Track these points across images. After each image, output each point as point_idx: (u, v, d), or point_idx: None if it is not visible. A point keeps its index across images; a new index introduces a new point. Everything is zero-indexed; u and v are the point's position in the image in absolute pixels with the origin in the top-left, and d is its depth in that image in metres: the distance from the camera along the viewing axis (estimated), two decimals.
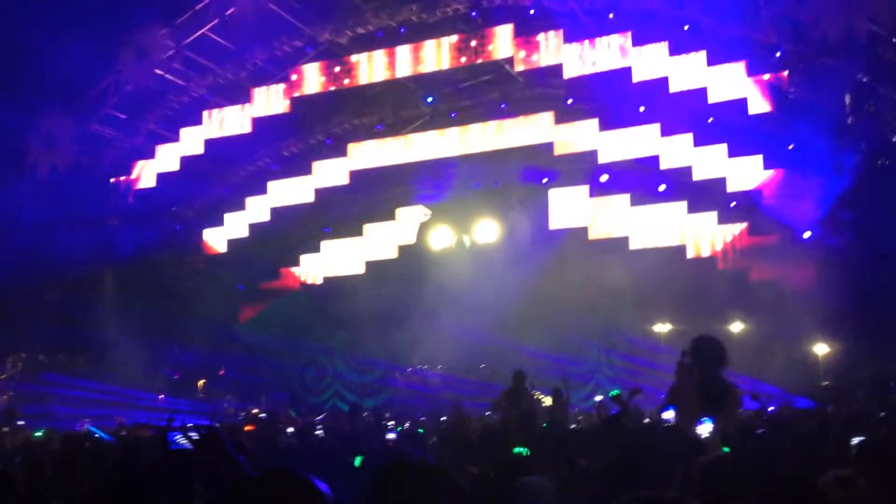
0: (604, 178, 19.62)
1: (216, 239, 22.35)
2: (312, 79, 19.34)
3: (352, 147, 21.07)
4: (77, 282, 18.75)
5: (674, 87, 17.08)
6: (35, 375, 19.58)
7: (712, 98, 16.90)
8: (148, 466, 3.28)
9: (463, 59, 18.13)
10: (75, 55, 15.53)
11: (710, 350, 5.50)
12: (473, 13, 17.53)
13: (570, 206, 19.90)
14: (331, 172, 21.18)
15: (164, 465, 3.15)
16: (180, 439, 2.65)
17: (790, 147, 16.95)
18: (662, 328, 21.49)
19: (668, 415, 5.80)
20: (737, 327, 20.59)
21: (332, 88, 19.33)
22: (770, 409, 10.71)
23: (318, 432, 12.03)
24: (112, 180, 20.99)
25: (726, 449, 4.38)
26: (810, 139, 15.99)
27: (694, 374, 5.45)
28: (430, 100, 20.23)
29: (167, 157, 20.82)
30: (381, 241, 22.11)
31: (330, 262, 22.78)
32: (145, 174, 20.99)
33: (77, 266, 18.10)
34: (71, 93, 18.18)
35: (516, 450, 5.20)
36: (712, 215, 18.80)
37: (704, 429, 4.79)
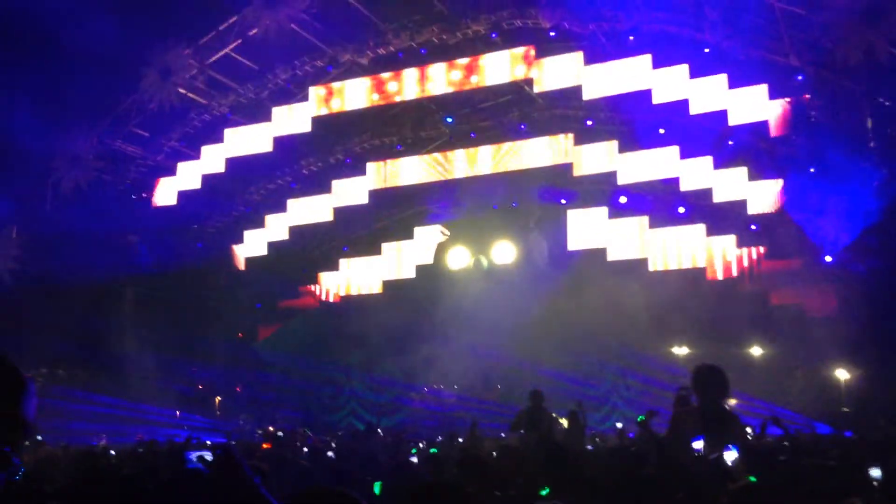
0: (622, 199, 19.59)
1: (236, 256, 22.50)
2: (334, 99, 19.47)
3: (371, 166, 21.16)
4: (97, 297, 18.87)
5: (694, 110, 17.04)
6: (54, 390, 19.69)
7: (733, 120, 16.84)
8: (162, 484, 3.27)
9: (474, 80, 18.21)
10: (99, 73, 15.74)
11: (711, 378, 5.45)
12: (493, 34, 17.59)
13: (588, 227, 19.89)
14: (350, 191, 21.26)
15: (178, 484, 3.14)
16: (196, 459, 2.64)
17: (811, 170, 16.85)
18: (680, 351, 21.32)
19: (698, 444, 5.75)
20: (756, 351, 20.40)
21: (353, 108, 19.44)
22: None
23: (329, 454, 11.98)
24: (134, 197, 21.19)
25: (752, 478, 4.33)
26: (832, 162, 15.88)
27: (696, 403, 5.43)
28: (449, 120, 20.30)
29: (188, 175, 20.98)
30: (398, 260, 22.16)
31: (348, 280, 22.84)
32: (167, 191, 21.17)
33: (97, 282, 18.23)
34: (95, 110, 18.41)
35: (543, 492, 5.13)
36: (731, 238, 18.72)
37: (729, 456, 4.72)
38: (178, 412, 21.60)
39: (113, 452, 11.92)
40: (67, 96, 15.47)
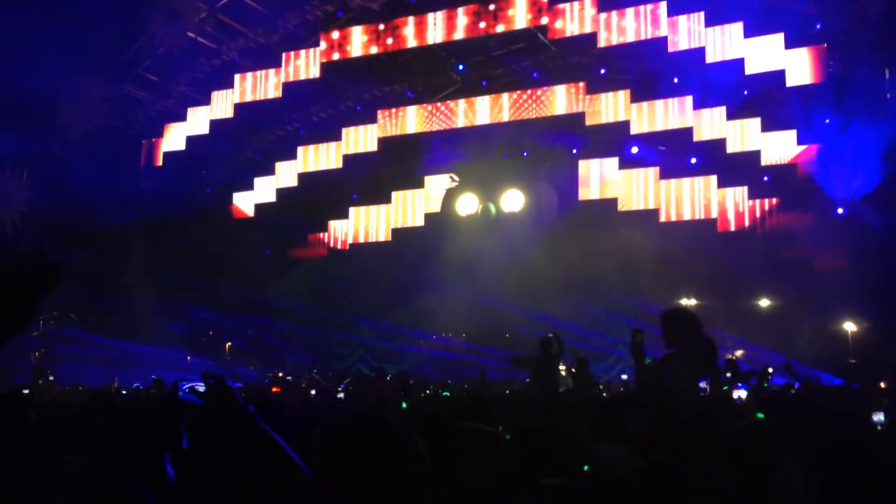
0: (634, 149, 19.43)
1: (244, 203, 22.53)
2: (344, 45, 19.28)
3: (381, 114, 21.03)
4: (107, 242, 18.97)
5: (710, 58, 16.83)
6: (66, 333, 19.94)
7: (749, 70, 16.62)
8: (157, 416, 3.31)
9: (482, 25, 17.97)
10: (108, 17, 15.57)
11: (680, 319, 5.50)
12: None
13: (599, 178, 19.77)
14: (359, 139, 21.19)
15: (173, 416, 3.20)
16: (188, 389, 2.68)
17: (827, 121, 16.65)
18: (688, 302, 21.33)
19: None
20: (765, 303, 20.41)
21: (363, 55, 19.26)
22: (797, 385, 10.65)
23: (339, 395, 12.13)
24: (143, 142, 21.19)
25: (760, 415, 4.36)
26: (848, 114, 15.69)
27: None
28: (461, 68, 20.08)
29: (197, 120, 20.95)
30: (407, 208, 22.14)
31: (357, 228, 22.86)
32: (175, 137, 21.15)
33: (108, 227, 18.31)
34: (103, 54, 18.25)
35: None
36: (744, 189, 18.58)
37: (738, 394, 4.77)
38: (188, 357, 21.84)
39: (124, 392, 12.10)
40: (75, 39, 15.29)
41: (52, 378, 15.85)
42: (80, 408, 6.94)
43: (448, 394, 11.04)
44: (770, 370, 12.29)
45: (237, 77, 20.36)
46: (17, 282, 1.71)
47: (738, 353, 18.32)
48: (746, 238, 18.47)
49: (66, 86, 17.74)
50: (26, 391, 9.67)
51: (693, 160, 19.12)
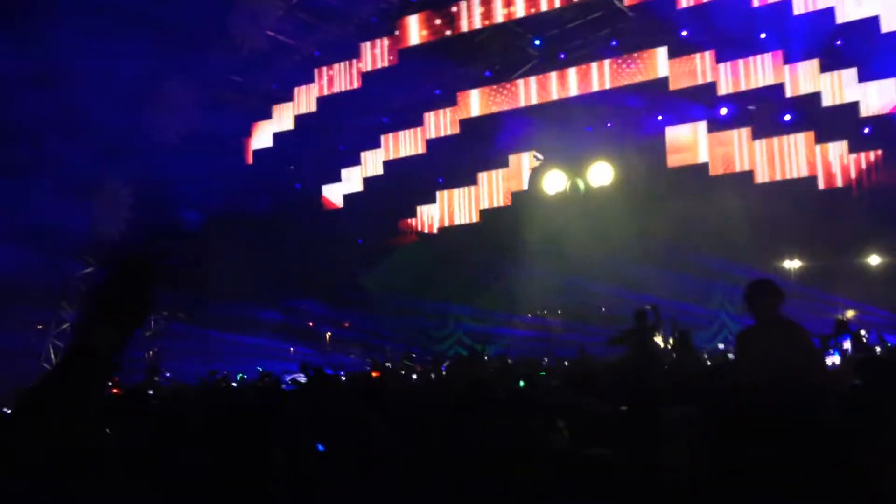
0: (723, 111, 18.82)
1: (334, 195, 22.91)
2: (417, 30, 19.31)
3: (461, 96, 21.00)
4: (206, 242, 19.60)
5: (797, 9, 16.12)
6: (176, 329, 20.79)
7: (840, 18, 15.84)
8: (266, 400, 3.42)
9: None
10: (190, 21, 16.01)
11: (759, 291, 5.38)
12: None
13: (688, 143, 19.23)
14: (440, 123, 21.23)
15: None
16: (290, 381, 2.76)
17: None
18: (792, 264, 20.60)
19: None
20: (875, 260, 19.52)
21: (438, 38, 19.25)
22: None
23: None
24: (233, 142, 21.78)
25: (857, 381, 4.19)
26: None
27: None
28: (537, 43, 19.84)
29: (282, 117, 21.41)
30: (494, 188, 22.06)
31: (445, 212, 22.94)
32: (263, 135, 21.67)
33: (204, 226, 18.93)
34: (189, 60, 18.77)
35: None
36: (843, 144, 17.74)
37: (832, 359, 4.60)
38: (291, 348, 22.45)
39: (234, 384, 12.50)
40: (159, 45, 15.79)
41: (168, 374, 16.56)
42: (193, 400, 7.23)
43: (543, 374, 10.98)
44: (863, 332, 11.76)
45: (317, 71, 20.69)
46: (138, 269, 1.72)
47: (850, 313, 17.62)
48: (849, 194, 17.66)
49: (156, 92, 18.33)
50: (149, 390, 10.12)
51: (787, 117, 18.39)
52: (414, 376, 12.94)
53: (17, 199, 16.34)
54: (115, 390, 9.39)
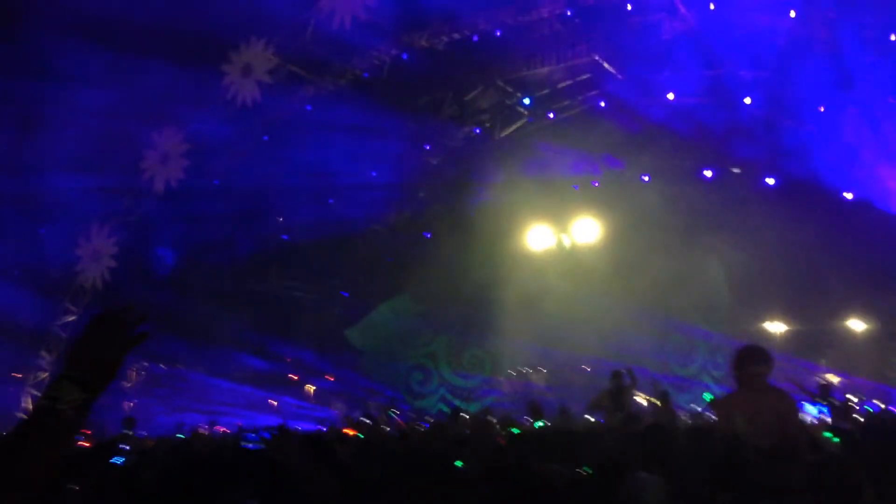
0: (708, 173, 19.05)
1: None
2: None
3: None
4: (187, 287, 19.52)
5: None
6: (160, 377, 20.59)
7: None
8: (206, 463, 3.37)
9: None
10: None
11: (744, 355, 5.45)
12: None
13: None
14: None
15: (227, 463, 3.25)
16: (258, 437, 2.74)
17: None
18: (773, 327, 20.62)
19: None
20: (857, 326, 19.59)
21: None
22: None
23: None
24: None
25: (833, 437, 4.19)
26: None
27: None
28: (527, 102, 20.13)
29: None
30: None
31: None
32: None
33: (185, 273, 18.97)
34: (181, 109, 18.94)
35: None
36: None
37: (809, 412, 4.61)
38: (275, 402, 22.21)
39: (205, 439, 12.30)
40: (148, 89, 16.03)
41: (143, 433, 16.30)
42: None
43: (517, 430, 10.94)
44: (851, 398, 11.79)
45: None
46: (110, 334, 1.76)
47: (835, 379, 17.60)
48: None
49: (144, 140, 18.41)
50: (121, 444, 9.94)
51: (771, 181, 18.60)
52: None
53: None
54: (85, 443, 9.24)
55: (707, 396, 8.40)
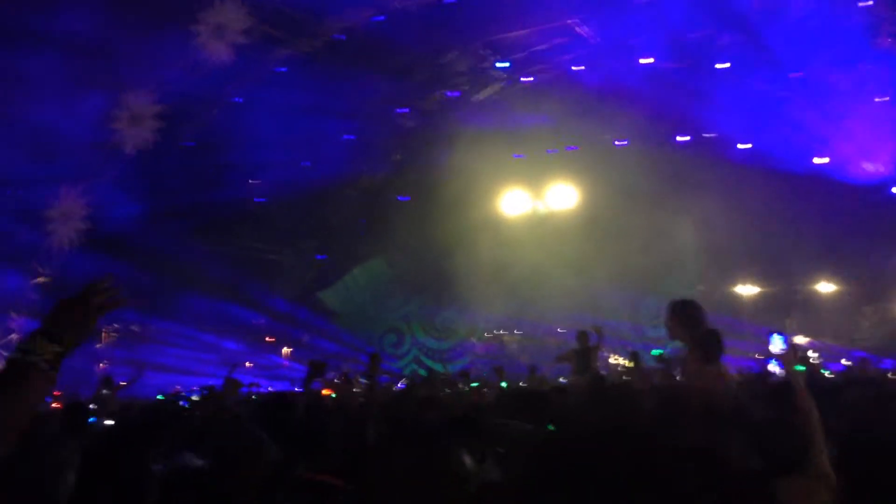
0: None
1: None
2: None
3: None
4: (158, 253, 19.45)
5: None
6: (129, 345, 20.53)
7: None
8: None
9: None
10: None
11: (689, 310, 5.45)
12: None
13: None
14: None
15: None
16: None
17: None
18: (747, 290, 20.90)
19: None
20: (825, 288, 19.92)
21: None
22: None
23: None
24: None
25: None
26: None
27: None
28: (504, 65, 20.05)
29: None
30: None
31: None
32: None
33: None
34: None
35: None
36: None
37: (775, 344, 4.65)
38: (247, 363, 22.21)
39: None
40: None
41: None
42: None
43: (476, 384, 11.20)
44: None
45: None
46: (80, 298, 1.82)
47: (802, 340, 17.93)
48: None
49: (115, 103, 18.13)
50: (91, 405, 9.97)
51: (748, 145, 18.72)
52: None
53: None
54: (55, 404, 9.25)
55: (655, 352, 8.51)
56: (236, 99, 19.63)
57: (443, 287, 21.75)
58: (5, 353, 18.31)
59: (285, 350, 24.64)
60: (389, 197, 22.89)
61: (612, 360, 18.68)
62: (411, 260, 22.79)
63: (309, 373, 5.48)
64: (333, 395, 12.14)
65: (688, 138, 19.41)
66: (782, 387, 4.53)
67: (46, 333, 1.75)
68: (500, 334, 23.56)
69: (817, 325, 19.06)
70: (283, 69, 19.56)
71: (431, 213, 21.65)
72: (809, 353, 12.35)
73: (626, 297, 19.90)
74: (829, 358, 16.52)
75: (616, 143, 20.11)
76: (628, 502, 1.34)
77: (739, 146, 18.76)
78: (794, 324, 19.06)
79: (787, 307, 20.07)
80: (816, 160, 17.65)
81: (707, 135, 19.04)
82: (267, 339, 23.41)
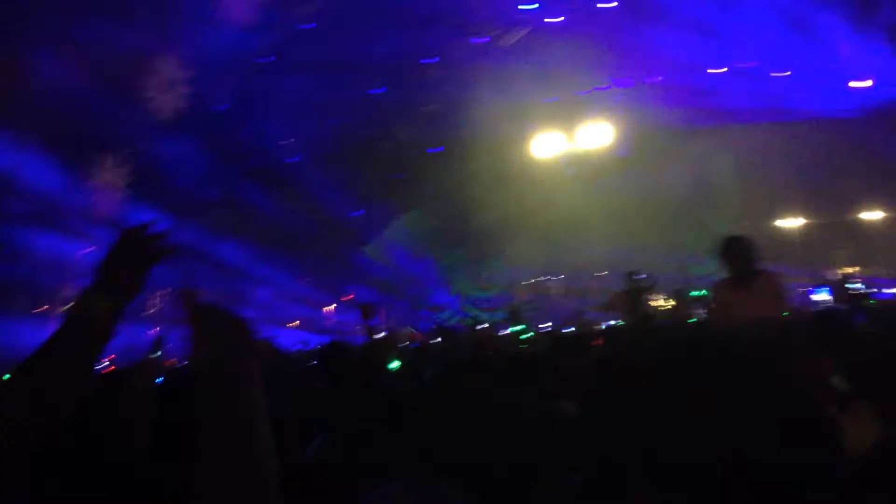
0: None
1: None
2: None
3: None
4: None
5: None
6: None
7: None
8: None
9: None
10: None
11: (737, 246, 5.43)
12: None
13: None
14: None
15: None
16: None
17: None
18: (795, 222, 20.49)
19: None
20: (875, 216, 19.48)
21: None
22: None
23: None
24: None
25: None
26: None
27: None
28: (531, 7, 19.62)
29: None
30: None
31: None
32: None
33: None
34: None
35: None
36: None
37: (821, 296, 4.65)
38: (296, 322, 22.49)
39: None
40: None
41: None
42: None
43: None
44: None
45: None
46: (135, 247, 1.80)
47: (852, 270, 17.61)
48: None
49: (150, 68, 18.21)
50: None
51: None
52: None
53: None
54: (110, 367, 9.39)
55: (695, 293, 8.35)
56: (267, 58, 19.54)
57: (484, 237, 21.69)
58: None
59: (330, 307, 24.89)
60: (423, 149, 22.76)
61: (653, 304, 18.53)
62: (451, 211, 22.74)
63: (362, 316, 5.60)
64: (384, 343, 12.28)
65: (725, 69, 18.84)
66: (830, 314, 4.44)
67: (103, 288, 1.73)
68: (543, 280, 23.49)
69: (866, 255, 18.65)
70: (311, 25, 19.39)
71: (466, 163, 21.54)
72: (856, 283, 12.08)
73: (668, 237, 19.63)
74: (877, 287, 16.20)
75: (648, 79, 19.62)
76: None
77: (775, 74, 18.20)
78: (841, 255, 18.71)
79: (833, 238, 19.67)
80: (854, 84, 17.07)
81: (743, 64, 18.48)
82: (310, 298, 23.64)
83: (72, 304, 1.73)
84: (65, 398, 1.61)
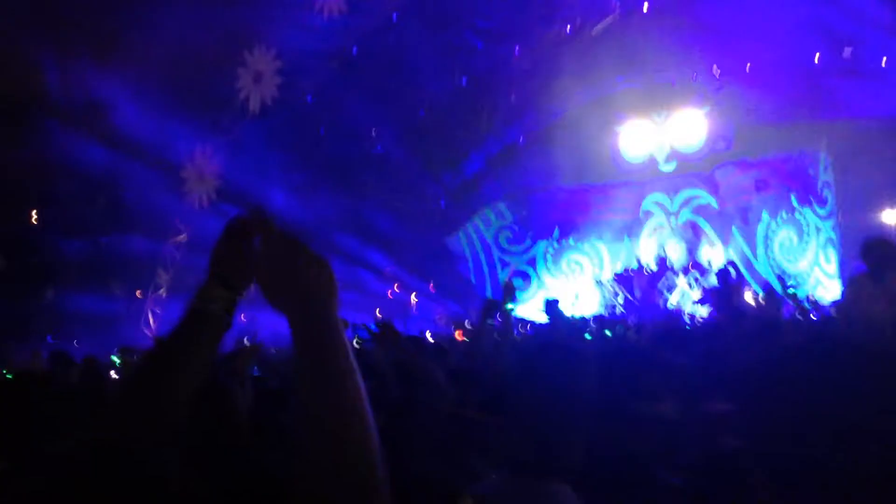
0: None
1: None
2: None
3: None
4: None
5: None
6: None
7: None
8: None
9: None
10: None
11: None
12: None
13: None
14: None
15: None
16: None
17: None
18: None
19: None
20: None
21: None
22: None
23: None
24: None
25: None
26: None
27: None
28: None
29: None
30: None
31: None
32: None
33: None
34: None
35: None
36: None
37: None
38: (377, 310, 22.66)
39: None
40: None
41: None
42: None
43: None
44: None
45: None
46: (242, 234, 1.73)
47: None
48: None
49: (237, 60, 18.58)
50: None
51: None
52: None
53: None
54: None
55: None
56: (352, 50, 19.74)
57: (567, 227, 21.51)
58: (157, 310, 19.47)
59: (412, 298, 24.99)
60: (506, 140, 22.66)
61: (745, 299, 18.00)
62: (534, 202, 22.62)
63: (483, 310, 5.48)
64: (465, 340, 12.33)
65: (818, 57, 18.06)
66: None
67: (218, 277, 1.73)
68: (628, 271, 23.10)
69: None
70: (395, 16, 19.50)
71: (550, 154, 21.37)
72: None
73: (759, 230, 19.02)
74: None
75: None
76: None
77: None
78: None
79: None
80: None
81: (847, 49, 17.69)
82: (396, 287, 23.78)
83: (195, 295, 1.73)
84: (187, 392, 1.63)
